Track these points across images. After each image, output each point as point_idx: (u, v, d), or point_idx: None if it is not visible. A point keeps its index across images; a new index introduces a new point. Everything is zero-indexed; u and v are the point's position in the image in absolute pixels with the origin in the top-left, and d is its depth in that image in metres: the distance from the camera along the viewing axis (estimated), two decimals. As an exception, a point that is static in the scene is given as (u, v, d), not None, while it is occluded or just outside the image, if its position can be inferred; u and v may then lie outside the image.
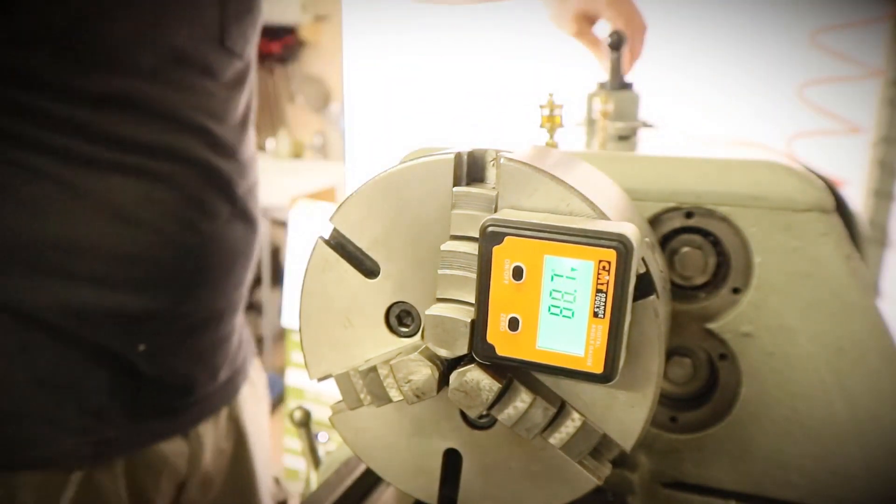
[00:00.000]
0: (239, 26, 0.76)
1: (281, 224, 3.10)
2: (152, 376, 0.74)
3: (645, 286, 0.34)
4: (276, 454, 2.54)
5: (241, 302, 0.85)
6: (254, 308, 3.38)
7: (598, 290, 0.31)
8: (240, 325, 0.88)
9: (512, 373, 0.36)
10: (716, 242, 0.47)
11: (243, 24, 0.77)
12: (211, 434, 0.83)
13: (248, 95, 0.82)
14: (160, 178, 0.70)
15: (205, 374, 0.80)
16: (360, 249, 0.39)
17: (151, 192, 0.69)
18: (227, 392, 0.85)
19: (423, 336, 0.36)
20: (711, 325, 0.47)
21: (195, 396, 0.79)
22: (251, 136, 0.84)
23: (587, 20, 0.82)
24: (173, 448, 0.77)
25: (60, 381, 0.69)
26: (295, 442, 2.36)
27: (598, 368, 0.32)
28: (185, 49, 0.70)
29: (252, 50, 0.81)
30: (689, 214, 0.47)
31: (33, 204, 0.66)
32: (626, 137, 0.61)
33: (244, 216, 0.81)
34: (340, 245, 0.39)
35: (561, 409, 0.36)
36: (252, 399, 0.92)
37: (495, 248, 0.33)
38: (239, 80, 0.78)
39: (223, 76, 0.75)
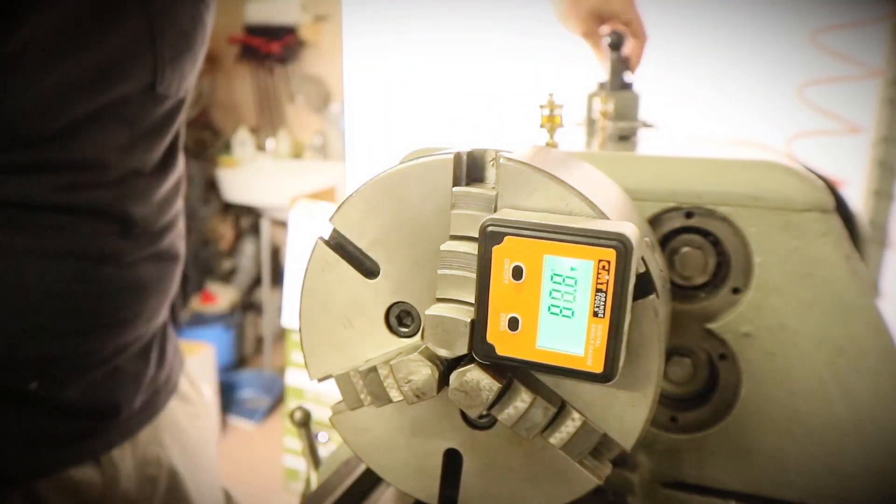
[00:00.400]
0: (175, 68, 0.70)
1: (281, 224, 3.11)
2: (52, 406, 0.71)
3: (645, 285, 0.34)
4: (276, 454, 2.54)
5: (156, 328, 0.80)
6: (254, 308, 3.38)
7: (598, 290, 0.31)
8: (163, 346, 0.82)
9: (512, 373, 0.36)
10: (716, 242, 0.47)
11: (181, 65, 0.71)
12: (129, 459, 0.78)
13: (176, 129, 0.77)
14: (51, 230, 0.66)
15: (113, 404, 0.75)
16: (359, 250, 0.39)
17: (42, 243, 0.66)
18: (144, 416, 0.80)
19: (423, 336, 0.36)
20: (711, 325, 0.47)
21: (105, 423, 0.75)
22: (175, 169, 0.78)
23: (597, 20, 0.82)
24: (83, 475, 0.74)
25: None
26: (295, 442, 2.36)
27: (598, 368, 0.32)
28: (104, 112, 0.66)
29: (189, 83, 0.76)
30: (689, 214, 0.47)
31: None
32: (626, 137, 0.61)
33: (158, 254, 0.76)
34: (340, 245, 0.39)
35: (561, 409, 0.36)
36: (186, 415, 0.87)
37: (495, 248, 0.33)
38: (166, 120, 0.73)
39: (146, 122, 0.70)
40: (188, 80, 0.75)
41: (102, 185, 0.68)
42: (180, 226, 0.81)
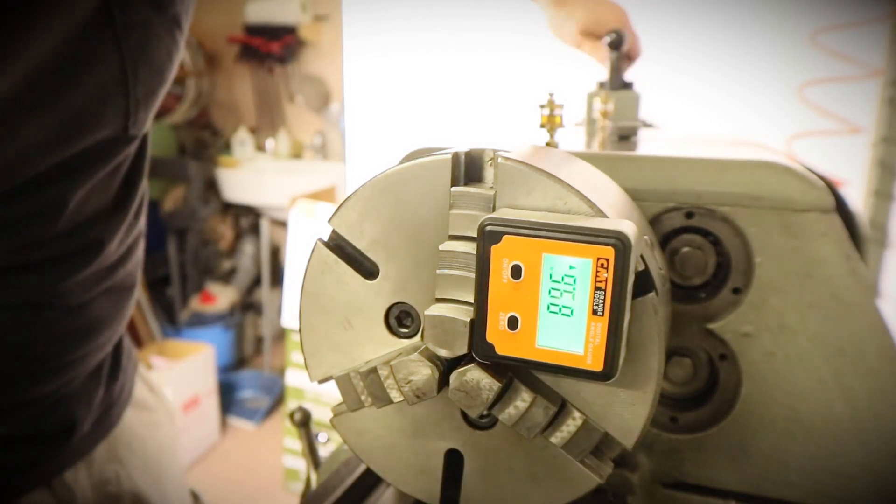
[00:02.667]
0: (148, 107, 0.65)
1: (281, 224, 3.11)
2: (2, 438, 0.67)
3: (644, 283, 0.34)
4: (276, 454, 2.54)
5: (103, 357, 0.74)
6: (254, 308, 3.38)
7: (597, 288, 0.31)
8: (116, 361, 0.78)
9: (512, 372, 0.36)
10: (716, 242, 0.47)
11: (154, 102, 0.66)
12: (84, 480, 0.75)
13: (135, 158, 0.71)
14: (4, 288, 0.61)
15: (63, 428, 0.71)
16: (358, 251, 0.39)
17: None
18: (97, 434, 0.76)
19: (422, 336, 0.36)
20: (711, 325, 0.47)
21: (55, 447, 0.71)
22: (136, 197, 0.72)
23: (590, 37, 0.82)
24: (35, 501, 0.70)
25: None
26: (295, 442, 2.36)
27: (598, 366, 0.32)
28: (72, 157, 0.60)
29: (152, 116, 0.70)
30: (689, 214, 0.47)
31: None
32: (626, 137, 0.61)
33: (112, 288, 0.71)
34: (339, 247, 0.39)
35: (562, 408, 0.36)
36: (144, 424, 0.83)
37: (494, 248, 0.33)
38: (126, 158, 0.68)
39: (109, 165, 0.65)
40: (154, 112, 0.69)
41: (59, 236, 0.63)
42: (139, 252, 0.76)
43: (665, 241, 0.48)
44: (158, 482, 0.83)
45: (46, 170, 0.58)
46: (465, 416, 0.40)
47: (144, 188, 0.74)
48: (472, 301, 0.34)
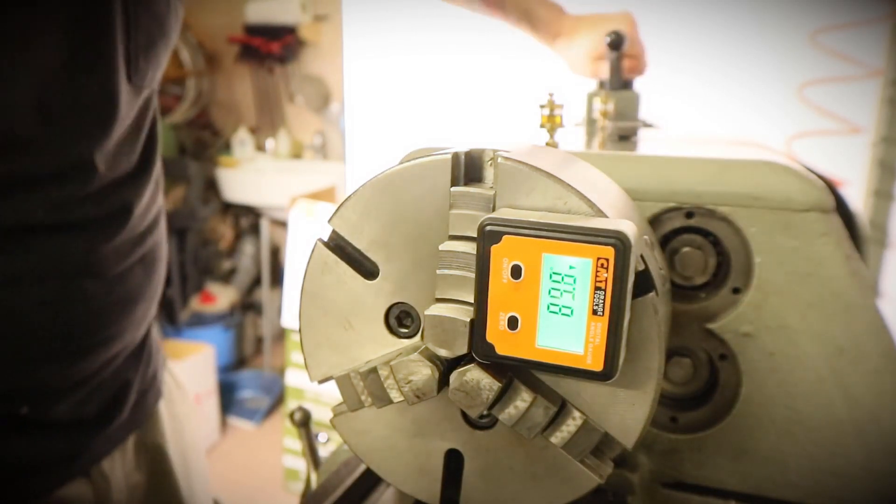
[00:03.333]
0: (148, 56, 0.66)
1: (281, 224, 3.11)
2: (40, 426, 0.68)
3: (644, 283, 0.34)
4: (276, 454, 2.54)
5: (141, 336, 0.76)
6: (254, 308, 3.38)
7: (597, 288, 0.31)
8: (146, 349, 0.79)
9: (512, 372, 0.35)
10: (716, 242, 0.47)
11: (154, 52, 0.67)
12: (119, 468, 0.76)
13: (151, 122, 0.73)
14: (38, 252, 0.62)
15: (101, 412, 0.73)
16: (358, 251, 0.39)
17: (24, 266, 0.62)
18: (133, 422, 0.78)
19: (422, 336, 0.36)
20: (711, 325, 0.47)
21: (93, 436, 0.73)
22: (156, 166, 0.75)
23: (603, 58, 0.82)
24: (75, 490, 0.71)
25: None
26: (295, 442, 2.36)
27: (598, 366, 0.32)
28: (86, 105, 0.61)
29: (160, 70, 0.71)
30: (689, 214, 0.47)
31: None
32: (626, 137, 0.61)
33: (143, 259, 0.73)
34: (339, 247, 0.39)
35: (562, 408, 0.36)
36: (171, 420, 0.84)
37: (493, 248, 0.33)
38: (143, 113, 0.70)
39: (127, 118, 0.66)
40: (161, 68, 0.70)
41: (92, 194, 0.64)
42: (162, 225, 0.78)
43: (665, 241, 0.48)
44: (187, 476, 0.84)
45: (62, 112, 0.59)
46: (465, 416, 0.40)
47: (160, 169, 0.76)
48: (472, 301, 0.34)
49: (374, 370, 0.38)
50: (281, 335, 2.99)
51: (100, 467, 0.73)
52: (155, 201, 0.75)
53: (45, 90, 0.58)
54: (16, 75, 0.57)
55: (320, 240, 0.39)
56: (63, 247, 0.64)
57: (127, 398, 0.75)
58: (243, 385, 3.06)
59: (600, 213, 0.34)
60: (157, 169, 0.75)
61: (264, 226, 3.17)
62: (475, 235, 0.33)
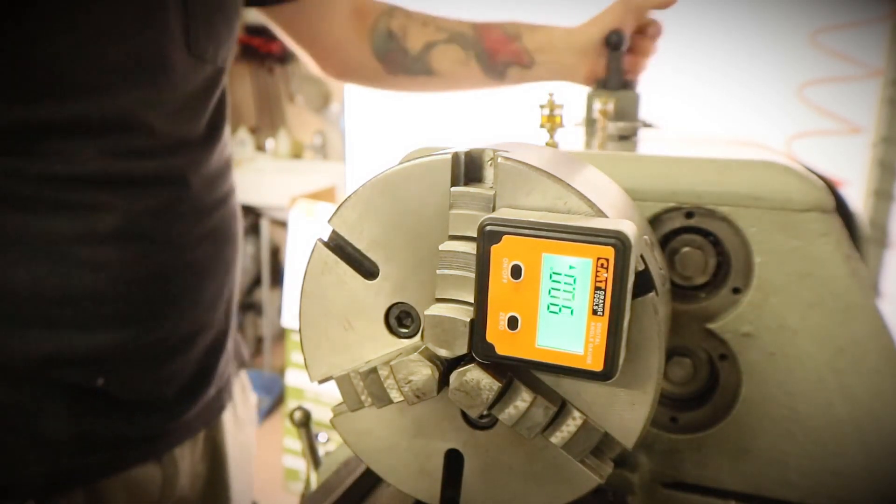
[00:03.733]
0: (208, 30, 0.69)
1: (281, 224, 3.11)
2: (119, 403, 0.70)
3: (644, 283, 0.34)
4: (276, 454, 2.54)
5: (219, 321, 0.79)
6: (254, 308, 3.38)
7: (597, 288, 0.31)
8: (227, 342, 0.82)
9: (512, 372, 0.36)
10: (716, 242, 0.47)
11: (213, 27, 0.70)
12: (188, 457, 0.79)
13: (218, 102, 0.76)
14: (101, 210, 0.65)
15: (180, 397, 0.75)
16: (358, 251, 0.39)
17: (92, 226, 0.64)
18: (207, 414, 0.80)
19: (422, 336, 0.36)
20: (711, 325, 0.47)
21: (170, 421, 0.75)
22: (222, 146, 0.77)
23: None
24: (146, 473, 0.74)
25: (14, 412, 0.66)
26: (295, 442, 2.36)
27: (598, 366, 0.32)
28: (138, 61, 0.64)
29: (227, 53, 0.74)
30: (689, 214, 0.47)
31: None
32: (626, 137, 0.61)
33: (212, 234, 0.75)
34: (339, 247, 0.39)
35: (562, 408, 0.36)
36: (234, 422, 0.87)
37: (493, 248, 0.33)
38: (206, 89, 0.72)
39: (187, 86, 0.69)
40: (224, 49, 0.73)
41: (149, 152, 0.66)
42: (232, 207, 0.79)
43: (665, 241, 0.48)
44: (237, 474, 0.87)
45: (119, 65, 0.63)
46: (465, 416, 0.40)
47: (230, 151, 0.79)
48: (472, 301, 0.34)
49: (374, 370, 0.38)
50: (281, 335, 2.99)
51: (172, 454, 0.76)
52: (223, 180, 0.77)
53: (99, 42, 0.61)
54: (74, 25, 0.60)
55: (320, 240, 0.39)
56: (122, 203, 0.65)
57: (203, 391, 0.77)
58: (243, 385, 3.06)
59: (600, 213, 0.34)
60: (225, 148, 0.77)
61: (264, 226, 3.17)
62: (475, 235, 0.33)
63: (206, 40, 0.69)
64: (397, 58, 0.90)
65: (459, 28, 0.89)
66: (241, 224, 0.82)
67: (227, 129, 0.78)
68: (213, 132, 0.74)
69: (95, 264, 0.65)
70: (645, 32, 0.80)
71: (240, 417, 0.89)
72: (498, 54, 0.87)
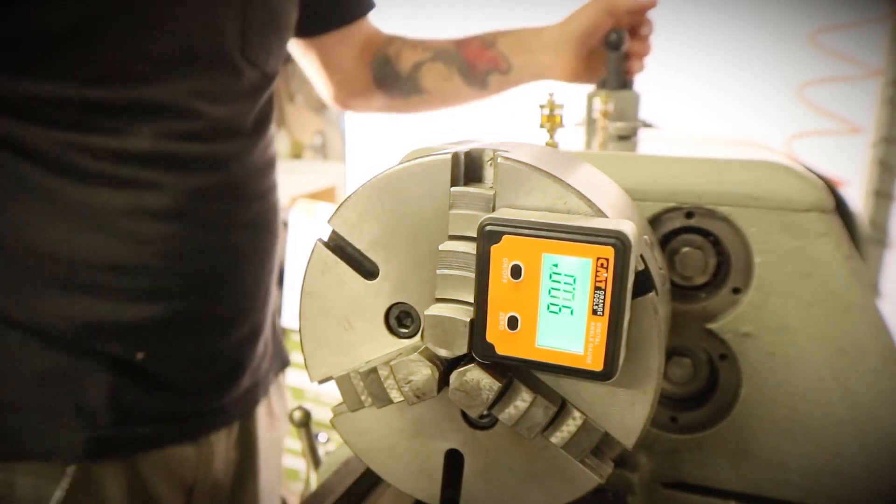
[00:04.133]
0: (262, 39, 0.75)
1: (281, 224, 3.10)
2: (159, 381, 0.74)
3: (644, 283, 0.34)
4: (276, 455, 2.54)
5: (255, 312, 0.82)
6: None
7: (597, 288, 0.31)
8: (262, 336, 0.85)
9: (512, 372, 0.36)
10: (716, 242, 0.47)
11: (266, 38, 0.76)
12: (223, 443, 0.82)
13: (265, 104, 0.80)
14: (151, 187, 0.69)
15: (215, 383, 0.79)
16: (358, 251, 0.39)
17: (140, 201, 0.69)
18: (244, 405, 0.84)
19: (422, 336, 0.36)
20: (711, 325, 0.47)
21: (207, 405, 0.78)
22: (267, 143, 0.82)
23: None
24: (182, 453, 0.77)
25: (57, 378, 0.69)
26: (295, 442, 2.36)
27: (598, 366, 0.32)
28: (195, 56, 0.70)
29: (276, 63, 0.80)
30: (689, 214, 0.47)
31: (19, 214, 0.67)
32: (626, 137, 0.61)
33: (252, 223, 0.79)
34: (339, 247, 0.39)
35: (562, 408, 0.36)
36: (268, 417, 0.91)
37: (493, 248, 0.33)
38: (255, 90, 0.77)
39: (238, 84, 0.74)
40: (273, 58, 0.78)
41: (197, 137, 0.71)
42: (272, 199, 0.83)
43: (665, 241, 0.48)
44: (263, 472, 0.90)
45: (177, 58, 0.68)
46: (465, 416, 0.40)
47: (275, 148, 0.85)
48: (472, 301, 0.34)
49: (374, 370, 0.38)
50: (281, 335, 2.98)
51: (207, 438, 0.80)
52: (265, 174, 0.81)
53: (162, 37, 0.67)
54: (142, 20, 0.66)
55: (320, 240, 0.39)
56: (170, 181, 0.70)
57: (237, 380, 0.81)
58: (243, 385, 3.06)
59: (600, 213, 0.34)
60: (269, 146, 0.83)
61: (264, 226, 3.17)
62: (475, 235, 0.33)
63: (258, 48, 0.75)
64: (392, 81, 0.96)
65: (443, 45, 0.93)
66: (280, 221, 0.86)
67: (272, 129, 0.83)
68: (258, 128, 0.79)
69: (141, 238, 0.69)
70: (637, 33, 0.81)
71: (274, 413, 0.92)
72: (477, 64, 0.91)
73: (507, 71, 0.90)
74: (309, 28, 0.91)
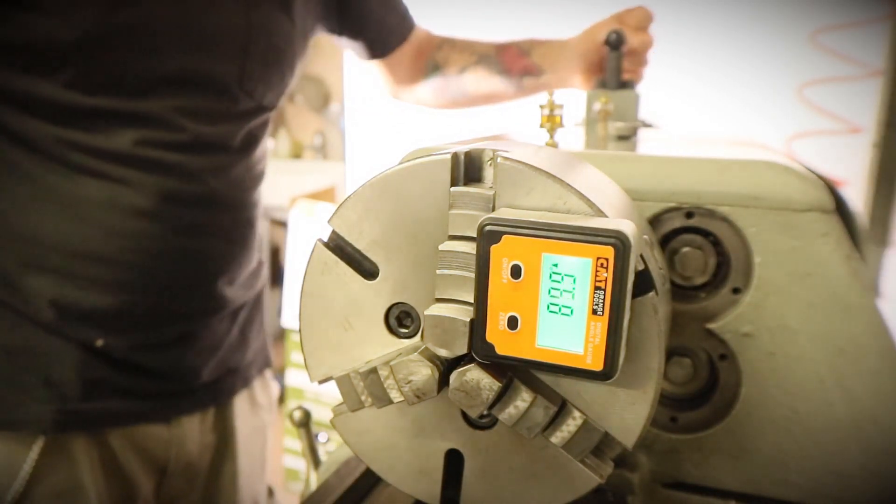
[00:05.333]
0: (262, 72, 0.80)
1: (281, 224, 3.10)
2: (125, 362, 0.77)
3: (644, 283, 0.34)
4: (276, 454, 2.54)
5: (224, 306, 0.85)
6: (254, 308, 3.37)
7: (597, 288, 0.31)
8: (232, 329, 0.88)
9: (512, 372, 0.36)
10: (716, 242, 0.47)
11: (267, 73, 0.81)
12: (197, 427, 0.86)
13: (258, 126, 0.84)
14: (129, 185, 0.73)
15: (180, 371, 0.82)
16: (358, 251, 0.39)
17: (118, 196, 0.73)
18: (215, 392, 0.88)
19: (422, 336, 0.36)
20: (711, 325, 0.47)
21: (176, 387, 0.82)
22: (255, 160, 0.85)
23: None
24: (153, 432, 0.82)
25: (27, 353, 0.74)
26: (295, 442, 2.36)
27: (598, 366, 0.32)
28: (188, 78, 0.74)
29: (275, 97, 0.84)
30: (689, 214, 0.47)
31: (5, 196, 0.72)
32: (626, 137, 0.61)
33: (226, 234, 0.82)
34: (339, 247, 0.39)
35: (562, 408, 0.36)
36: (249, 404, 0.95)
37: (493, 247, 0.33)
38: (248, 115, 0.81)
39: (229, 108, 0.78)
40: (272, 93, 0.83)
41: (178, 147, 0.75)
42: (250, 215, 0.86)
43: (665, 241, 0.48)
44: (242, 461, 0.93)
45: (174, 77, 0.73)
46: (465, 416, 0.40)
47: (263, 166, 0.88)
48: (472, 301, 0.34)
49: (374, 370, 0.38)
50: (281, 335, 2.98)
51: (180, 421, 0.84)
52: (244, 189, 0.84)
53: (157, 56, 0.72)
54: (140, 43, 0.71)
55: (320, 240, 0.39)
56: (148, 182, 0.74)
57: (204, 368, 0.84)
58: (243, 385, 3.05)
59: (600, 213, 0.34)
60: (255, 165, 0.86)
61: (264, 226, 3.17)
62: (475, 235, 0.33)
63: (257, 81, 0.80)
64: (442, 84, 1.05)
65: (485, 49, 1.01)
66: (256, 237, 0.89)
67: (262, 150, 0.87)
68: (246, 146, 0.83)
69: (113, 231, 0.74)
70: (636, 50, 0.84)
71: (257, 403, 0.97)
72: (513, 69, 0.98)
73: (539, 76, 0.97)
74: (378, 51, 1.02)
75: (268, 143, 0.90)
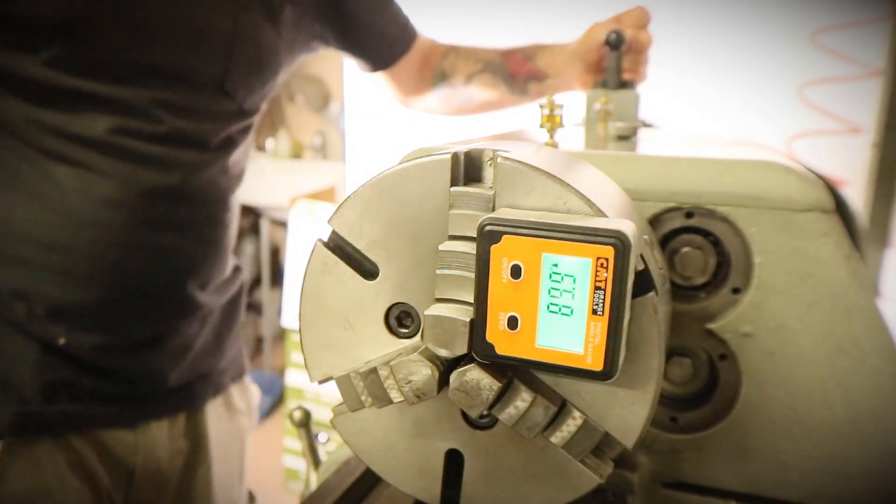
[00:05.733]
0: (245, 76, 0.80)
1: (281, 224, 3.11)
2: (87, 364, 0.76)
3: (644, 283, 0.34)
4: (276, 454, 2.54)
5: (195, 311, 0.84)
6: (254, 308, 3.38)
7: (597, 288, 0.31)
8: (202, 334, 0.87)
9: (512, 372, 0.36)
10: (716, 242, 0.47)
11: (249, 77, 0.81)
12: (166, 432, 0.84)
13: (240, 130, 0.84)
14: (101, 174, 0.72)
15: (146, 373, 0.81)
16: (358, 251, 0.39)
17: (90, 185, 0.72)
18: (185, 397, 0.86)
19: (422, 336, 0.36)
20: (711, 325, 0.47)
21: (140, 391, 0.81)
22: (232, 161, 0.85)
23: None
24: (120, 438, 0.80)
25: None
26: (295, 442, 2.36)
27: (598, 366, 0.32)
28: (170, 73, 0.74)
29: (255, 102, 0.84)
30: (689, 214, 0.47)
31: None
32: (626, 137, 0.61)
33: (197, 232, 0.81)
34: (339, 247, 0.39)
35: (562, 408, 0.36)
36: (225, 409, 0.93)
37: (493, 247, 0.33)
38: (228, 117, 0.81)
39: (208, 108, 0.78)
40: (254, 97, 0.83)
41: (153, 139, 0.74)
42: (224, 216, 0.85)
43: (665, 241, 0.48)
44: (216, 468, 0.92)
45: (153, 68, 0.73)
46: (465, 416, 0.40)
47: (240, 169, 0.88)
48: (472, 301, 0.34)
49: (374, 370, 0.38)
50: (281, 335, 2.99)
51: (147, 426, 0.82)
52: (221, 190, 0.84)
53: (144, 46, 0.72)
54: (129, 34, 0.71)
55: (320, 240, 0.39)
56: (120, 172, 0.73)
57: (170, 373, 0.83)
58: (243, 385, 3.05)
59: (600, 213, 0.34)
60: (233, 167, 0.85)
61: (264, 226, 3.17)
62: (475, 235, 0.33)
63: (238, 84, 0.80)
64: (449, 93, 1.05)
65: (490, 56, 1.01)
66: (230, 242, 0.88)
67: (241, 154, 0.86)
68: (225, 147, 0.82)
69: (82, 221, 0.72)
70: (635, 49, 0.84)
71: (234, 407, 0.94)
72: (518, 75, 0.98)
73: (543, 80, 0.97)
74: (381, 64, 1.01)
75: (251, 148, 0.90)
